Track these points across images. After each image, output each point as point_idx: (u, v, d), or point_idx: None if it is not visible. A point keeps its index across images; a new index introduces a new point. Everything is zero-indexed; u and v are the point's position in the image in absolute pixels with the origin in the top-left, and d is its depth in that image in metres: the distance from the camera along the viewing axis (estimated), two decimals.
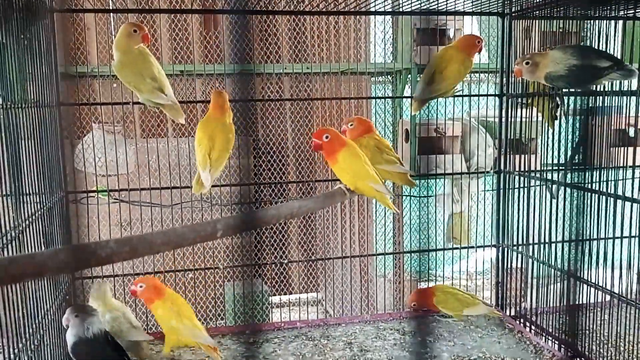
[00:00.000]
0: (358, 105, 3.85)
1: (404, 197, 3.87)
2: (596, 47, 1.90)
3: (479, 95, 2.53)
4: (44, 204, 1.70)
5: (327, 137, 1.71)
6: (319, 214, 3.92)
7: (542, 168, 2.27)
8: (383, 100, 3.80)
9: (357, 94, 3.78)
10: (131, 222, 3.35)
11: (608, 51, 2.00)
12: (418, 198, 3.76)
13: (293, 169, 3.85)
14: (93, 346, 1.65)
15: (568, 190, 2.11)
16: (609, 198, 1.92)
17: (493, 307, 2.24)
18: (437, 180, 3.68)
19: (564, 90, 2.08)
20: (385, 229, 4.04)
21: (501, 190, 2.41)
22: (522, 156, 2.33)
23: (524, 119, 2.28)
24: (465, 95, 2.55)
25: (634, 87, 2.03)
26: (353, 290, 3.85)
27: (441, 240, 3.70)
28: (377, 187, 1.68)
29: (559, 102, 2.20)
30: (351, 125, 1.98)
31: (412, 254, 3.87)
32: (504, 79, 2.32)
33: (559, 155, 2.16)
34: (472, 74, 3.67)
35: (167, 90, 1.96)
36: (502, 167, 2.41)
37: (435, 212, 3.52)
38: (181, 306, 1.93)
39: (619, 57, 2.26)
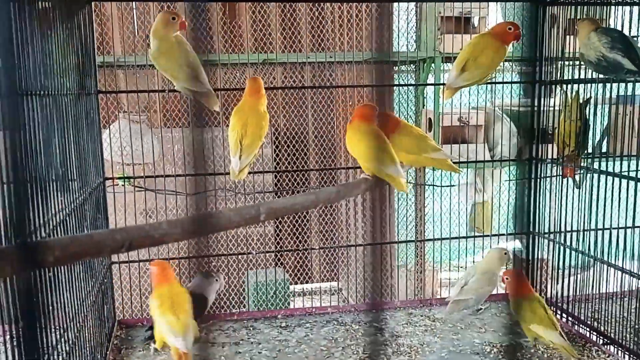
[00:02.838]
0: (380, 94, 3.84)
1: (426, 186, 3.87)
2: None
3: (511, 83, 2.52)
4: (85, 189, 1.73)
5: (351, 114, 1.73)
6: (338, 205, 3.94)
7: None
8: (406, 89, 3.78)
9: (379, 83, 3.76)
10: (156, 210, 3.38)
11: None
12: (440, 187, 3.76)
13: (314, 157, 3.86)
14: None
15: (596, 177, 2.10)
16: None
17: None
18: (460, 169, 3.66)
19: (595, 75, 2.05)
20: (407, 218, 4.04)
21: (532, 178, 2.40)
22: (551, 145, 2.32)
23: (555, 108, 2.26)
24: (498, 83, 2.54)
25: None
26: (374, 279, 3.86)
27: (464, 229, 3.69)
28: (388, 170, 1.67)
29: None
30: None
31: (435, 243, 3.88)
32: (537, 67, 2.30)
33: (592, 144, 2.15)
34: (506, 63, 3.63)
35: (203, 77, 1.98)
36: (533, 155, 2.40)
37: (466, 201, 3.52)
38: (176, 298, 1.71)
39: None
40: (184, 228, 1.19)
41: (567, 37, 2.21)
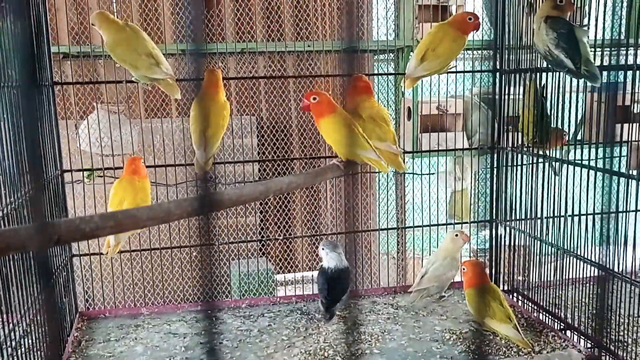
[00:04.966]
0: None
1: (407, 175, 3.88)
2: (581, 38, 1.83)
3: (472, 72, 2.51)
4: (33, 184, 1.72)
5: (314, 99, 1.72)
6: (323, 191, 3.95)
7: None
8: (386, 78, 3.78)
9: (359, 71, 3.76)
10: None
11: (607, 28, 1.96)
12: (420, 175, 3.77)
13: (297, 147, 3.86)
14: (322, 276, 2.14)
15: (564, 166, 2.11)
16: (604, 174, 1.91)
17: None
18: (439, 157, 3.67)
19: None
20: (388, 207, 4.05)
21: (495, 166, 2.41)
22: (517, 132, 2.32)
23: (518, 96, 2.26)
24: (459, 72, 2.54)
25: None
26: (357, 267, 3.88)
27: (443, 217, 3.71)
28: (365, 154, 1.67)
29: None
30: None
31: (416, 231, 3.89)
32: (498, 55, 2.30)
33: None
34: (476, 51, 3.63)
35: (164, 64, 1.97)
36: (495, 143, 2.41)
37: (444, 189, 3.52)
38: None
39: (622, 32, 2.21)
40: (117, 221, 1.20)
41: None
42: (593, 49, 1.90)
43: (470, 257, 3.83)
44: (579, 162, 2.04)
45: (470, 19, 2.02)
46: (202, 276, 0.70)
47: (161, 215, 1.28)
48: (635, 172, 1.84)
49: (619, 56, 1.96)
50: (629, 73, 1.77)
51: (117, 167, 2.27)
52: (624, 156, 2.66)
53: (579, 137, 2.69)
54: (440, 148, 3.16)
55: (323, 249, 2.17)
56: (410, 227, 2.88)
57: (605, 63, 1.93)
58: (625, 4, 2.22)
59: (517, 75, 2.23)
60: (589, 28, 1.85)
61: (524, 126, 2.15)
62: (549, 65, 1.96)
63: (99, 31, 1.88)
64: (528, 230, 2.24)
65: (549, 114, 2.12)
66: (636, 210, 1.82)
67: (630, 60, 1.92)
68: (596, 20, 1.83)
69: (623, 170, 2.43)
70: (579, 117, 2.60)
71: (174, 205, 1.33)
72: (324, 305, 2.11)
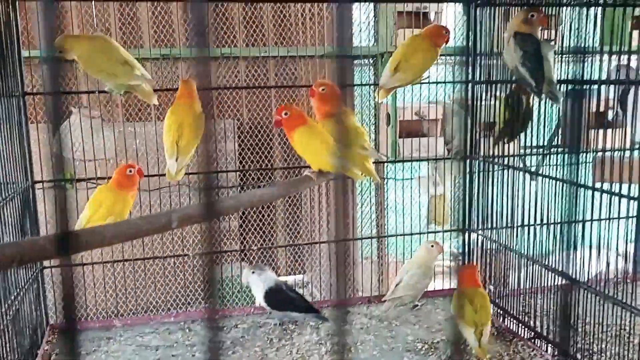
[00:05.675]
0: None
1: (386, 180, 3.91)
2: (549, 56, 1.86)
3: (445, 82, 2.54)
4: (6, 193, 1.71)
5: (286, 114, 1.74)
6: (303, 198, 3.95)
7: (506, 153, 2.29)
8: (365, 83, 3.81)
9: (340, 76, 3.77)
10: None
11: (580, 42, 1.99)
12: (398, 180, 3.79)
13: (279, 153, 3.86)
14: (280, 292, 2.16)
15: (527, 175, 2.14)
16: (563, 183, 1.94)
17: None
18: (418, 163, 3.70)
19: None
20: (370, 211, 4.07)
21: (467, 175, 2.44)
22: (488, 141, 2.35)
23: (491, 104, 2.29)
24: (432, 82, 2.56)
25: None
26: (338, 272, 3.88)
27: (422, 222, 3.74)
28: (336, 162, 1.69)
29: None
30: (323, 89, 1.91)
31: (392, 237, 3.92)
32: (470, 66, 2.32)
33: (538, 140, 2.19)
34: (454, 57, 3.66)
35: (140, 69, 1.96)
36: (467, 153, 2.43)
37: (420, 194, 3.55)
38: None
39: (597, 44, 2.24)
40: (80, 241, 1.19)
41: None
42: (560, 59, 1.94)
43: (445, 260, 3.87)
44: (547, 175, 2.07)
45: (445, 32, 2.05)
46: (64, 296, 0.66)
47: (131, 232, 1.27)
48: (598, 185, 1.87)
49: (584, 67, 1.99)
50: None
51: (92, 178, 2.25)
52: (590, 162, 2.71)
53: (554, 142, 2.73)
54: (419, 154, 3.20)
55: (253, 272, 2.20)
56: (386, 236, 2.89)
57: (571, 74, 1.97)
58: (595, 17, 2.27)
59: (490, 86, 2.26)
60: (555, 42, 1.88)
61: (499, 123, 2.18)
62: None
63: (70, 53, 1.85)
64: (498, 239, 2.27)
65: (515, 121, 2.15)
66: (600, 219, 1.86)
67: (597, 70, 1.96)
68: (563, 35, 1.86)
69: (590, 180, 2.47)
70: (554, 123, 2.64)
71: (143, 222, 1.33)
72: (308, 311, 2.16)
